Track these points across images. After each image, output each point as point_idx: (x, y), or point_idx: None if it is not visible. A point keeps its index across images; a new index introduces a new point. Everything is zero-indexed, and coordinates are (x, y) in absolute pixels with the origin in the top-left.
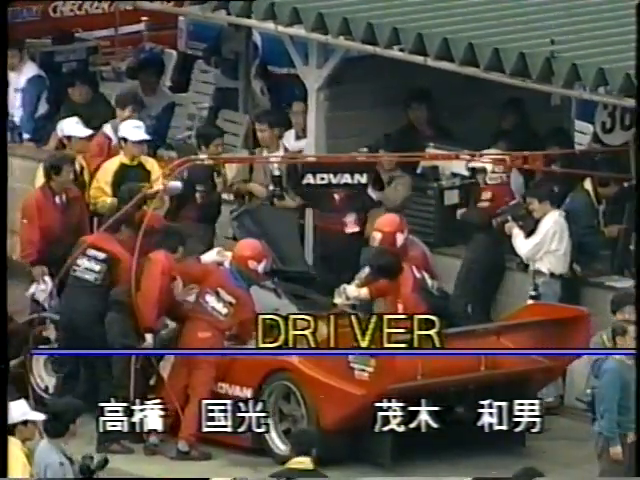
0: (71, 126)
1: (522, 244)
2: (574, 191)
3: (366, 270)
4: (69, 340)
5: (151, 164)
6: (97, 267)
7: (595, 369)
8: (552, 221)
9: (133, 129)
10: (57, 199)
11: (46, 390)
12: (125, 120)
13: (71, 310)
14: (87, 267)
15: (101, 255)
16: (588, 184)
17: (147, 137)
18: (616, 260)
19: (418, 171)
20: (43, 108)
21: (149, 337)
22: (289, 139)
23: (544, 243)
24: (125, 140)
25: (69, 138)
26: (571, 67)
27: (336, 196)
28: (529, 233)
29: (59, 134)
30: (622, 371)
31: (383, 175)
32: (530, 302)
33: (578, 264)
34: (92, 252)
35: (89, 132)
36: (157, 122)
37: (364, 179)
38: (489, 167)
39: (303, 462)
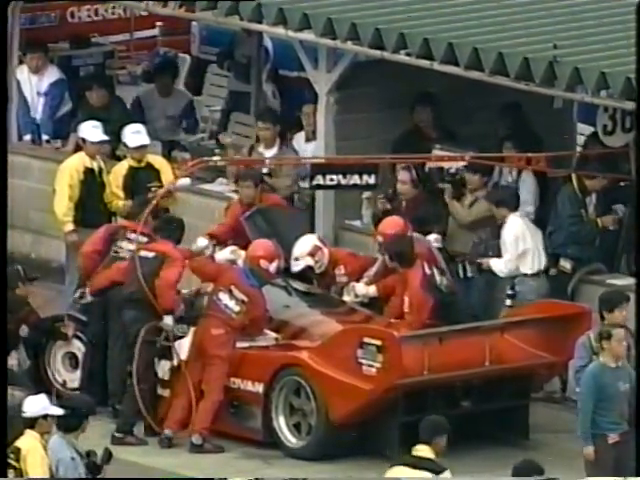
0: (88, 129)
1: (498, 268)
2: (563, 184)
3: (374, 268)
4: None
5: (160, 162)
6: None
7: (578, 377)
8: (510, 229)
9: (132, 135)
10: None
11: (64, 385)
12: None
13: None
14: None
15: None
16: (573, 176)
17: (147, 142)
18: (616, 260)
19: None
20: (65, 111)
21: (169, 318)
22: (299, 141)
23: (514, 253)
24: (125, 146)
25: (84, 140)
26: (573, 71)
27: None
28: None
29: (78, 134)
30: (597, 374)
31: (469, 195)
32: (508, 302)
33: (567, 259)
34: (132, 235)
35: (102, 138)
36: (176, 122)
37: (372, 180)
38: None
39: (423, 450)
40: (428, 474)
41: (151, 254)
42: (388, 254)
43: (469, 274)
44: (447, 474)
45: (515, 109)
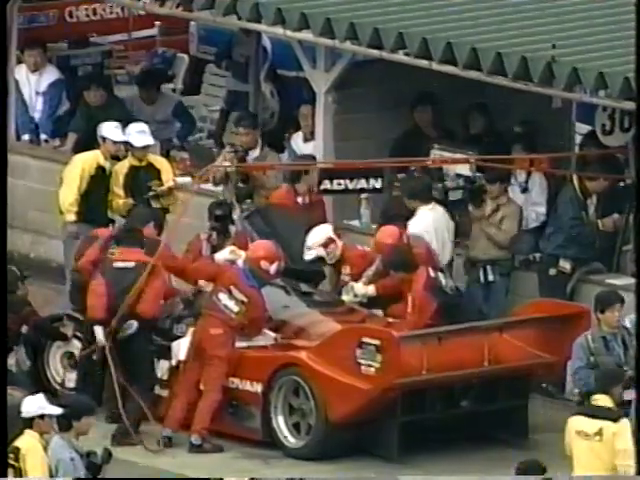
0: (109, 129)
1: None
2: (564, 185)
3: (373, 267)
4: None
5: (160, 162)
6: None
7: (576, 378)
8: (418, 222)
9: (137, 134)
10: (300, 199)
11: (62, 384)
12: None
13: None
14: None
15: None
16: (574, 177)
17: (152, 142)
18: (614, 259)
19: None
20: (62, 111)
21: (100, 330)
22: (297, 141)
23: None
24: (131, 145)
25: (104, 139)
26: (572, 71)
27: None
28: None
29: (98, 134)
30: None
31: (490, 203)
32: None
33: (566, 260)
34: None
35: (123, 138)
36: (168, 125)
37: (378, 184)
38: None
39: (601, 399)
40: (608, 422)
41: (130, 264)
42: (391, 267)
43: (490, 278)
44: (625, 421)
45: (484, 109)
